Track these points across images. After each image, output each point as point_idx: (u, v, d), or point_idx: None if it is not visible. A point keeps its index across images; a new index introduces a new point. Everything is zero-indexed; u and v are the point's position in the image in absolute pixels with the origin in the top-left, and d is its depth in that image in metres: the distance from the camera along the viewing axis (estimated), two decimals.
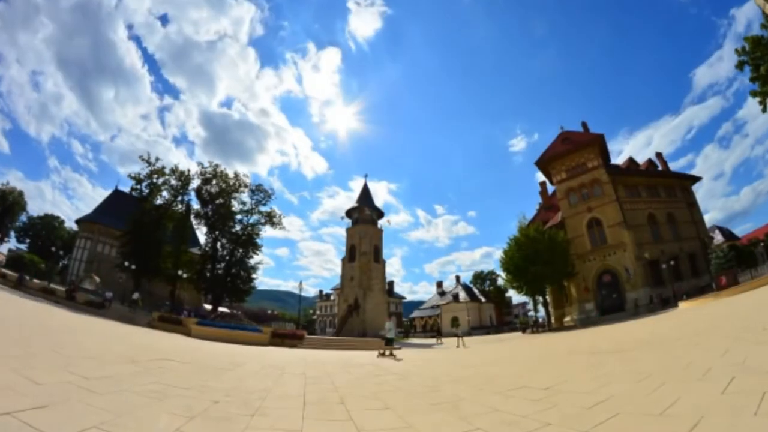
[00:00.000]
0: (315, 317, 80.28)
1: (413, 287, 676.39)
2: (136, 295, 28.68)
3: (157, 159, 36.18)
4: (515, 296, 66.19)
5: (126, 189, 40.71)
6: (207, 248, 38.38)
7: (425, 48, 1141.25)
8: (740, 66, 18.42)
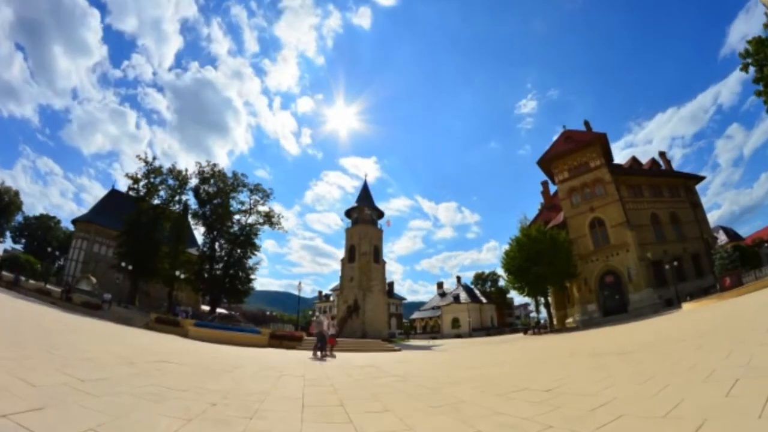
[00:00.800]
0: (314, 318, 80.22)
1: (413, 285, 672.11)
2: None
3: (154, 158, 36.39)
4: (517, 297, 66.22)
5: (123, 188, 40.93)
6: (205, 249, 38.41)
7: None
8: (745, 68, 18.39)
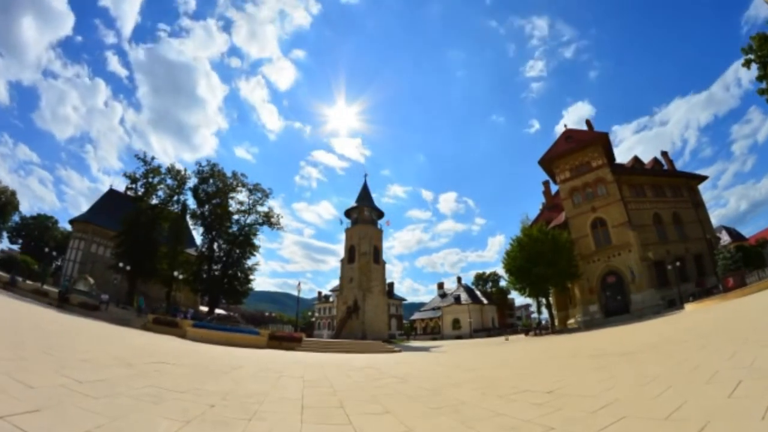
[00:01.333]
0: (313, 319, 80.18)
1: (413, 284, 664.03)
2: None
3: (153, 158, 36.39)
4: (518, 298, 66.09)
5: (121, 188, 40.87)
6: (203, 249, 38.37)
7: None
8: (747, 64, 18.19)
